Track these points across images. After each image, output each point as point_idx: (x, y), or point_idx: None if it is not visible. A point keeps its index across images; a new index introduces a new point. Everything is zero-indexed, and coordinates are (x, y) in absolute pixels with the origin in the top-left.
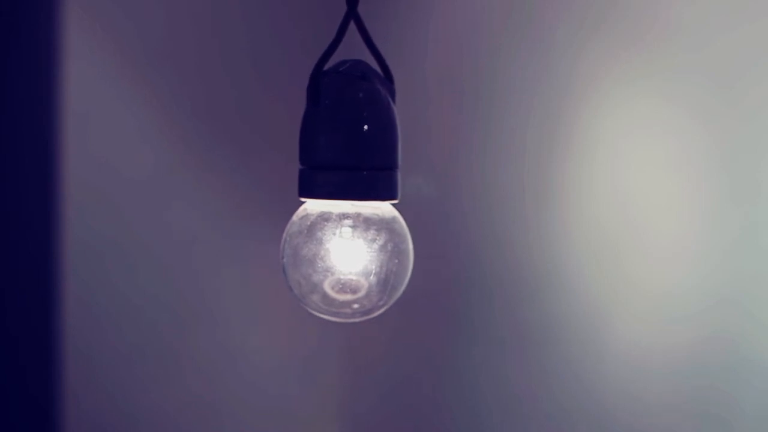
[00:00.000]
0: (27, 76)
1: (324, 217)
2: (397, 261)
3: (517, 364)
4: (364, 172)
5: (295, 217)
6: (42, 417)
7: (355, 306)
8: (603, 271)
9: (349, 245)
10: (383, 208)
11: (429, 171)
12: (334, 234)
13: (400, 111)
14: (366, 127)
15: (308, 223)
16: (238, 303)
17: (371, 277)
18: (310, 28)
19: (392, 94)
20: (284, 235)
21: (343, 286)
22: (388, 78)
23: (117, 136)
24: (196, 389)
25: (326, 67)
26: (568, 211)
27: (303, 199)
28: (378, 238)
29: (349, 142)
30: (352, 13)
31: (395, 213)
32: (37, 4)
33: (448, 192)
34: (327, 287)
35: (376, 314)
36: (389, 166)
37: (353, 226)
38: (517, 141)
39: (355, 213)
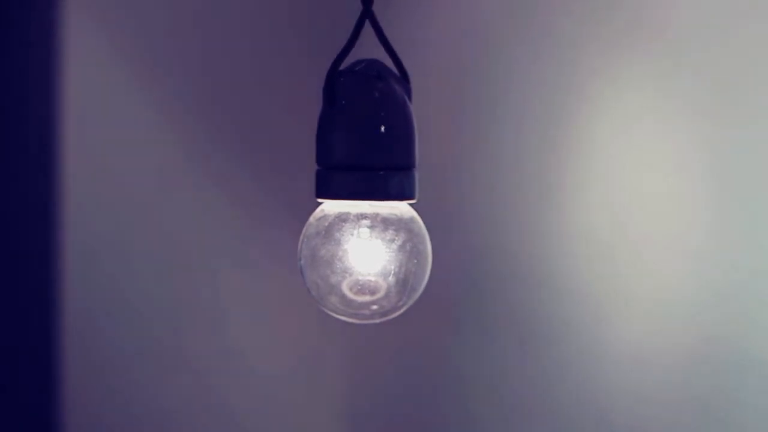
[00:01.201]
0: (27, 77)
1: (342, 218)
2: (416, 261)
3: (517, 365)
4: (381, 172)
5: (312, 218)
6: (42, 417)
7: (374, 307)
8: (603, 271)
9: (367, 246)
10: (401, 208)
11: (429, 171)
12: (352, 235)
13: None
14: (383, 126)
15: (326, 224)
16: (239, 304)
17: (390, 278)
18: (313, 28)
19: (408, 93)
20: (301, 236)
21: (362, 287)
22: (404, 77)
23: (117, 136)
24: (197, 390)
25: (342, 66)
26: (569, 212)
27: (320, 200)
28: (396, 238)
29: (366, 142)
30: (367, 13)
31: (413, 213)
32: (38, 5)
33: (448, 192)
34: (345, 288)
35: (395, 315)
36: (406, 165)
37: (371, 227)
38: (517, 141)
39: (373, 213)
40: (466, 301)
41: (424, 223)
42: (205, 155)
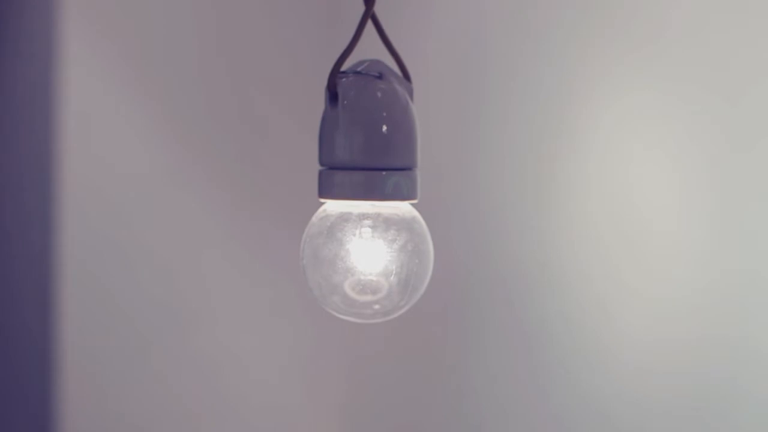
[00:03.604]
0: (28, 78)
1: (344, 218)
2: (417, 261)
3: (517, 365)
4: (383, 173)
5: (314, 218)
6: (42, 416)
7: (376, 307)
8: (603, 271)
9: (369, 246)
10: (403, 208)
11: (429, 171)
12: (354, 234)
13: None
14: (385, 127)
15: (328, 224)
16: (239, 304)
17: (392, 278)
18: (314, 29)
19: (410, 93)
20: (304, 236)
21: (364, 287)
22: (406, 77)
23: (118, 137)
24: (197, 390)
25: (344, 67)
26: (569, 212)
27: (323, 200)
28: (398, 238)
29: (368, 142)
30: (369, 13)
31: (415, 213)
32: (40, 6)
33: (448, 192)
34: (347, 288)
35: (396, 315)
36: (408, 165)
37: (373, 227)
38: (517, 141)
39: (375, 213)
40: (465, 300)
41: (427, 223)
42: (208, 156)
